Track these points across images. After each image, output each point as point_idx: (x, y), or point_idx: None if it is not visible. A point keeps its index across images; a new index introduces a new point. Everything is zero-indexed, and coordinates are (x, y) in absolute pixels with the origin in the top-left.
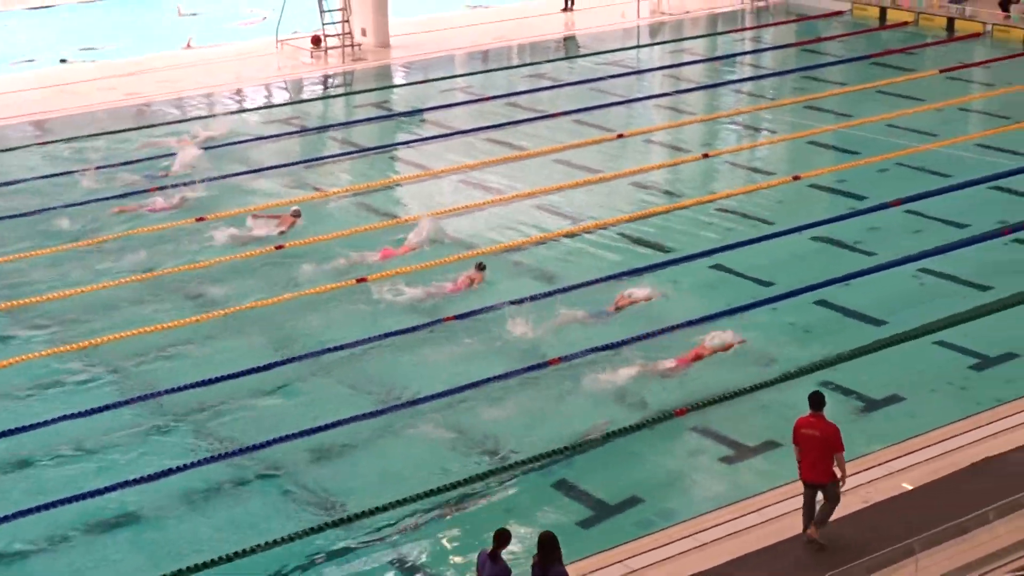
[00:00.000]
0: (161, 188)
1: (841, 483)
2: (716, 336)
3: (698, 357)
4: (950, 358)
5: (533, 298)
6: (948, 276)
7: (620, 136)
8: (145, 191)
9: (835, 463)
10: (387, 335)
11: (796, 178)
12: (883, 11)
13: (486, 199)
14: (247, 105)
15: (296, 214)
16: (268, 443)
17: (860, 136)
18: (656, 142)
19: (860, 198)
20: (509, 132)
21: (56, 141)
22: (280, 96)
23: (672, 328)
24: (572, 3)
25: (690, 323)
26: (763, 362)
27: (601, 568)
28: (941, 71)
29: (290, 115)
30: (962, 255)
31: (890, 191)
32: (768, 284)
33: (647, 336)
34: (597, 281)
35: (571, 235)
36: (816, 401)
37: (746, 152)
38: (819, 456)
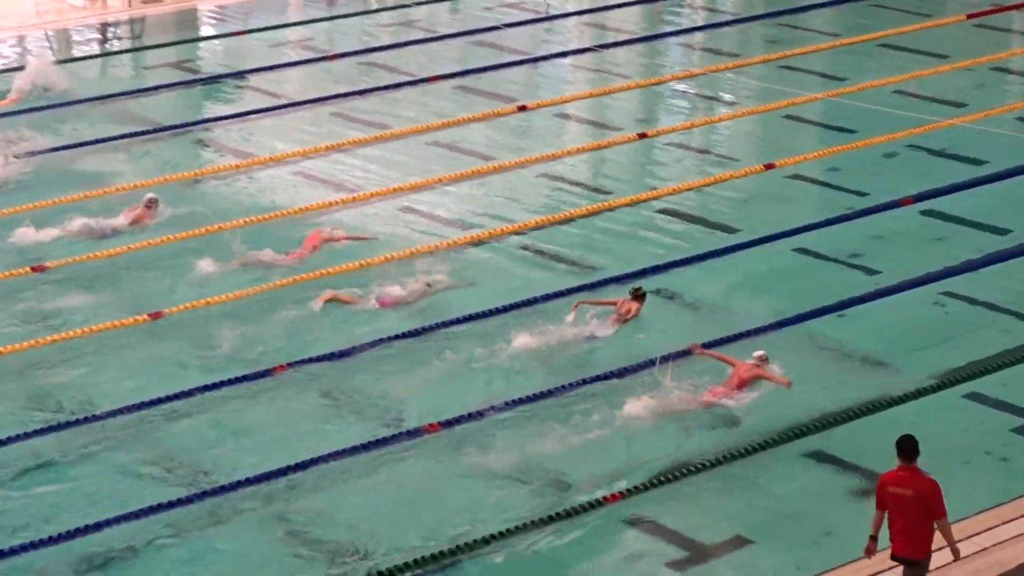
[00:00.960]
0: None
1: (954, 556)
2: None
3: (742, 384)
4: (987, 417)
5: (402, 337)
6: (981, 302)
7: (523, 108)
8: None
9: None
10: (193, 391)
11: (769, 167)
12: None
13: (333, 198)
14: None
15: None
16: (18, 549)
17: (858, 108)
18: (573, 117)
19: (859, 194)
20: (366, 103)
21: None
22: (40, 52)
23: (594, 379)
24: None
25: (624, 371)
26: (726, 424)
27: None
28: (969, 17)
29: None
30: (1000, 273)
31: (900, 184)
32: (731, 314)
33: (557, 391)
34: (492, 313)
35: (455, 247)
36: (907, 448)
37: (699, 131)
38: (914, 522)
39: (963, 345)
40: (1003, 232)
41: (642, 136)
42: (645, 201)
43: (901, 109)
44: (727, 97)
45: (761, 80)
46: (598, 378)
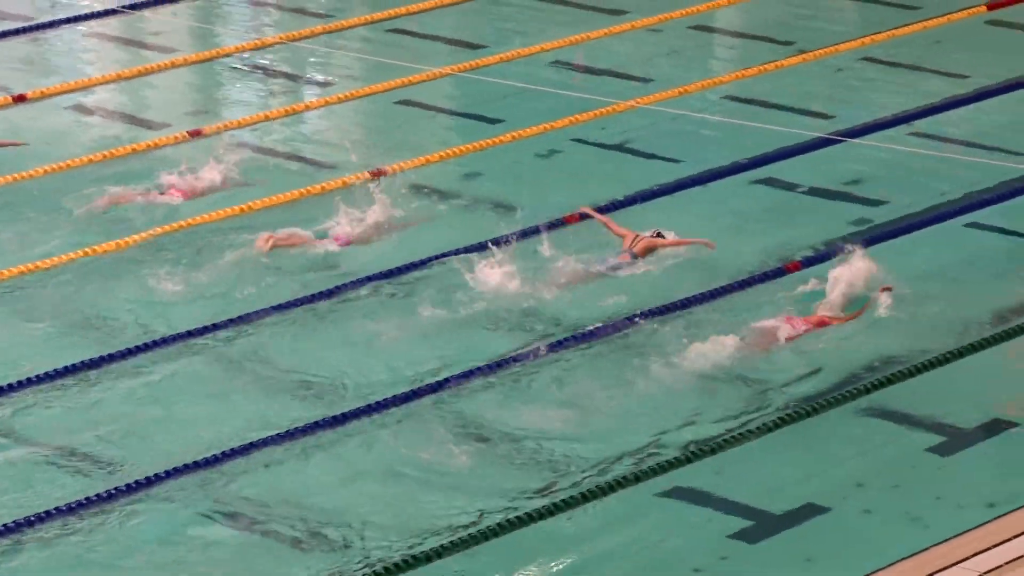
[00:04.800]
0: None
1: None
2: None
3: (820, 325)
4: None
5: None
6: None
7: (20, 99)
8: None
9: None
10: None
11: (377, 174)
12: None
13: None
14: None
15: None
16: None
17: (501, 87)
18: (95, 109)
19: (507, 208)
20: None
21: None
22: None
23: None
24: None
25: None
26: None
27: None
28: None
29: None
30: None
31: (562, 194)
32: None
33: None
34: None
35: None
36: None
37: (280, 124)
38: None
39: None
40: (712, 269)
41: (195, 134)
42: (201, 224)
43: (563, 88)
44: (316, 76)
45: (365, 50)
46: None
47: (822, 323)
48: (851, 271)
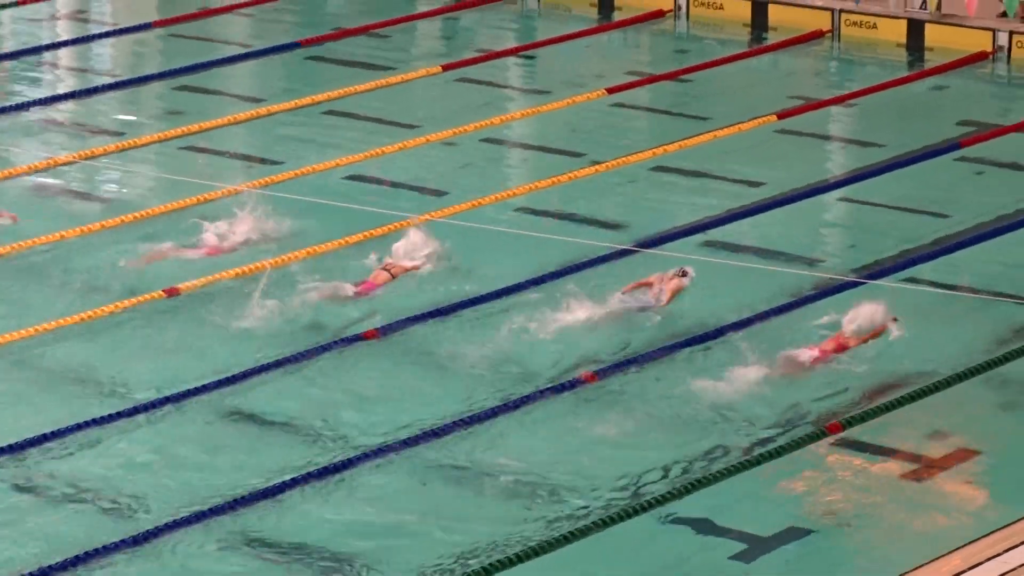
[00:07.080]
0: None
1: None
2: (861, 314)
3: (841, 349)
4: None
5: None
6: None
7: None
8: None
9: None
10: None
11: (171, 292)
12: None
13: None
14: None
15: None
16: None
17: (297, 204)
18: None
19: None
20: None
21: None
22: None
23: None
24: None
25: None
26: None
27: None
28: (446, 68)
29: None
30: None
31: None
32: None
33: None
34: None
35: None
36: None
37: (66, 248)
38: None
39: None
40: (521, 377)
41: None
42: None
43: (357, 202)
44: (109, 193)
45: (157, 166)
46: None
47: (843, 347)
48: (864, 308)
